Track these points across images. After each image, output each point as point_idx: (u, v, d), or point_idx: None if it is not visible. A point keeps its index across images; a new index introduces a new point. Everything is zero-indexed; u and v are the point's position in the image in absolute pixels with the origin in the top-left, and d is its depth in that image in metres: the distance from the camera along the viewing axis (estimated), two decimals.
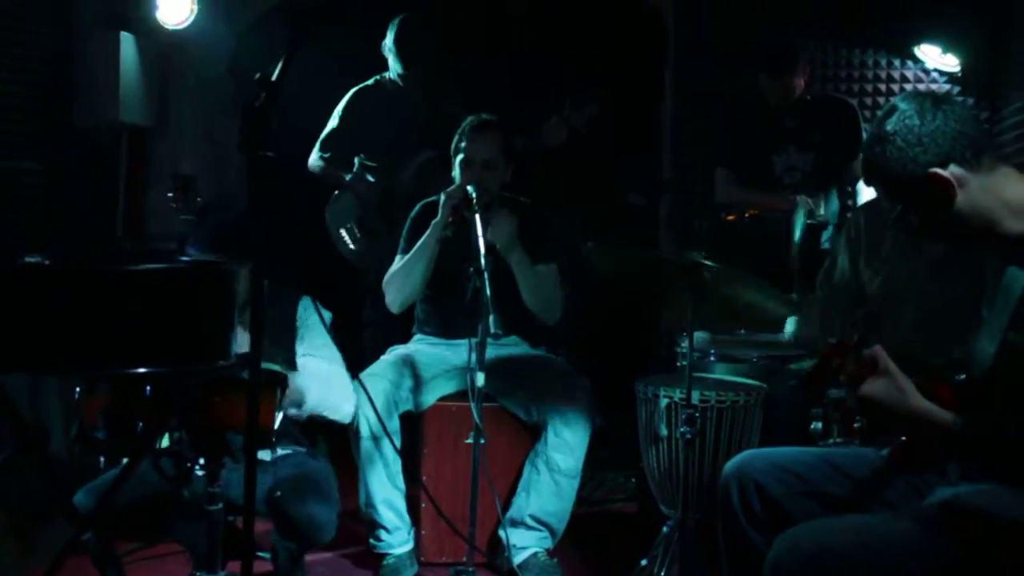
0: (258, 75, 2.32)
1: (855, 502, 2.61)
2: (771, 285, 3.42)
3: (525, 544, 4.03)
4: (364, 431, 3.97)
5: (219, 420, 2.99)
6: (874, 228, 3.53)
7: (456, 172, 4.22)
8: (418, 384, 4.14)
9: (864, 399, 2.31)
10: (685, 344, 3.49)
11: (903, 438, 2.46)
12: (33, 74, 5.43)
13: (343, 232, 5.35)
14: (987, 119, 5.59)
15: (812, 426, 3.22)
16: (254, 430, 2.44)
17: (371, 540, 4.11)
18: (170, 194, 3.83)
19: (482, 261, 3.58)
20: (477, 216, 3.76)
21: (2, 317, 2.48)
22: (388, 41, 5.27)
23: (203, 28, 5.74)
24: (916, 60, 5.75)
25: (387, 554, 4.08)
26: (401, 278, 4.23)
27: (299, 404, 3.48)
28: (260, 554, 3.78)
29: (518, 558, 3.99)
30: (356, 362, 4.26)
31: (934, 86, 5.74)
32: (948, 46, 5.52)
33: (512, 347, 4.33)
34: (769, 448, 2.90)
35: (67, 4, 5.67)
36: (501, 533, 4.02)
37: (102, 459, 3.18)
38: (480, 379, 3.66)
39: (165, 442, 3.01)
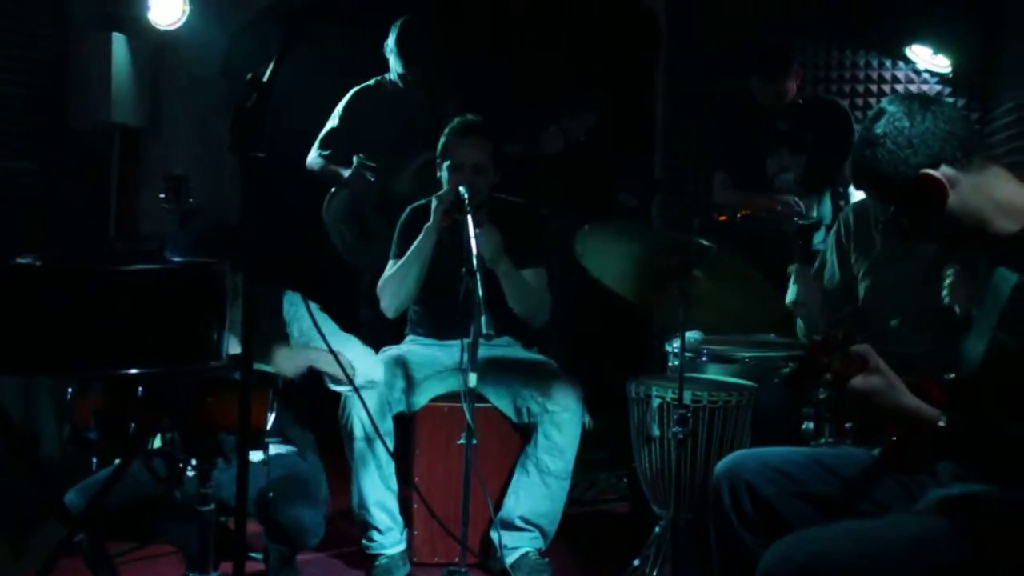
0: (250, 75, 2.32)
1: (846, 502, 2.61)
2: (763, 285, 3.42)
3: (516, 545, 4.03)
4: (357, 432, 3.98)
5: (211, 421, 2.99)
6: (863, 228, 3.54)
7: (443, 175, 4.22)
8: (410, 385, 4.15)
9: (854, 394, 2.31)
10: (677, 344, 3.50)
11: (894, 438, 2.47)
12: (26, 75, 5.43)
13: (334, 234, 5.38)
14: (978, 120, 5.61)
15: (803, 426, 3.23)
16: (246, 431, 2.44)
17: (363, 541, 4.11)
18: (162, 194, 3.85)
19: (474, 262, 3.59)
20: (469, 218, 3.77)
21: None
22: (390, 42, 5.30)
23: (195, 29, 5.74)
24: (907, 61, 5.77)
25: (379, 555, 4.08)
26: (396, 283, 4.23)
27: (350, 378, 3.54)
28: (252, 555, 3.80)
29: (510, 558, 3.99)
30: None
31: (925, 87, 5.76)
32: (939, 47, 5.54)
33: (504, 348, 4.33)
34: (760, 448, 2.90)
35: (60, 5, 5.67)
36: (493, 534, 4.02)
37: (94, 460, 3.17)
38: (472, 380, 3.66)
39: (157, 443, 3.02)
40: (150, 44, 5.88)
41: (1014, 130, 5.16)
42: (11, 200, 5.22)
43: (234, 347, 2.56)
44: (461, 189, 3.91)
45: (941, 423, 2.24)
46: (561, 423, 4.03)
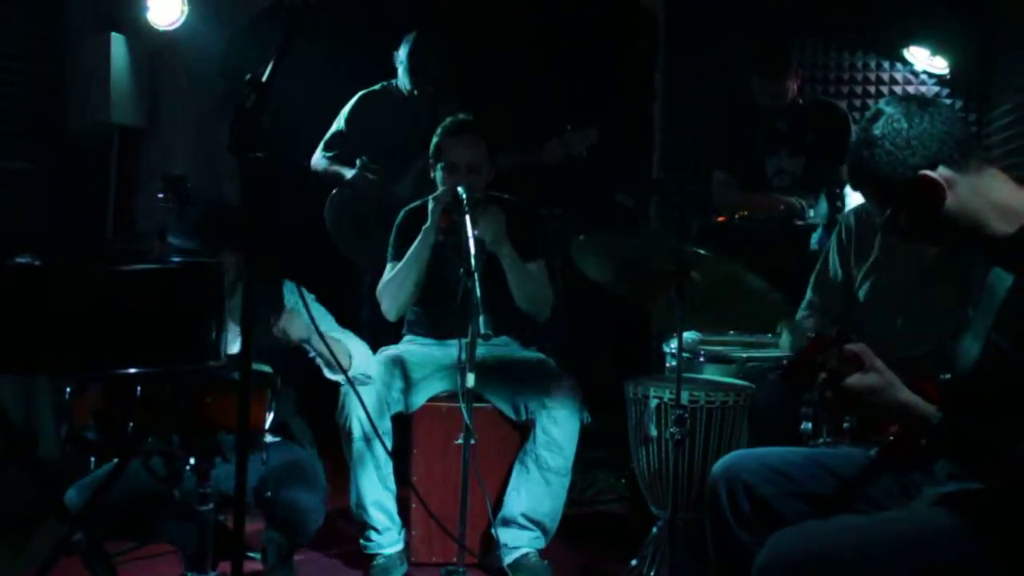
0: (249, 76, 2.32)
1: (843, 502, 2.62)
2: (761, 286, 3.43)
3: (517, 544, 4.04)
4: (356, 432, 3.98)
5: (210, 420, 3.00)
6: (864, 231, 3.56)
7: (438, 176, 4.22)
8: (409, 385, 4.15)
9: (850, 393, 2.32)
10: (674, 345, 3.50)
11: (891, 437, 2.47)
12: (24, 75, 5.43)
13: (335, 234, 5.43)
14: (976, 122, 5.62)
15: (802, 426, 3.24)
16: (245, 430, 2.45)
17: (361, 540, 4.11)
18: (161, 194, 3.84)
19: (472, 262, 3.59)
20: (467, 217, 3.77)
21: None
22: (401, 54, 5.36)
23: (194, 29, 5.75)
24: (905, 62, 5.77)
25: (377, 554, 4.08)
26: (396, 286, 4.23)
27: (347, 365, 3.60)
28: (250, 554, 3.80)
29: (509, 558, 4.00)
30: None
31: (923, 88, 5.76)
32: (937, 48, 5.54)
33: (502, 347, 4.34)
34: (758, 448, 2.91)
35: (58, 5, 5.67)
36: (493, 532, 4.03)
37: (93, 459, 3.18)
38: (470, 379, 3.67)
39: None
40: (149, 44, 5.88)
41: (1011, 132, 5.16)
42: (10, 200, 5.22)
43: (236, 334, 2.56)
44: (460, 189, 3.92)
45: (935, 420, 2.25)
46: (559, 419, 4.04)
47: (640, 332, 5.64)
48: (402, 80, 5.37)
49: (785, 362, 3.69)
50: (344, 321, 3.99)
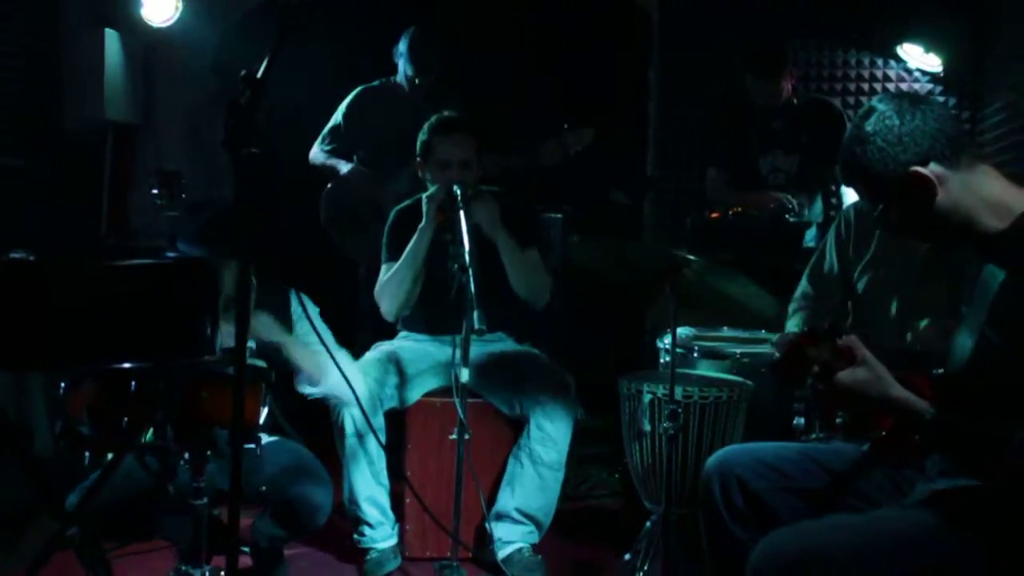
0: (244, 72, 2.33)
1: (836, 497, 2.64)
2: (754, 282, 3.44)
3: (511, 538, 4.05)
4: (349, 428, 3.99)
5: (204, 415, 3.00)
6: (863, 226, 3.57)
7: (428, 174, 4.22)
8: (403, 381, 4.16)
9: (842, 387, 2.33)
10: (668, 341, 3.51)
11: (883, 432, 2.49)
12: (18, 72, 5.43)
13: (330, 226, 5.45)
14: (969, 119, 5.63)
15: (794, 421, 3.25)
16: (240, 425, 2.45)
17: (354, 535, 4.13)
18: (155, 191, 3.84)
19: (467, 258, 3.60)
20: (461, 213, 3.77)
21: None
22: (401, 47, 5.38)
23: (188, 26, 5.74)
24: (899, 60, 5.78)
25: (370, 549, 4.10)
26: (394, 286, 4.22)
27: (316, 382, 3.53)
28: (244, 549, 3.80)
29: (503, 552, 4.01)
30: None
31: (917, 86, 5.77)
32: (930, 46, 5.55)
33: (496, 343, 4.35)
34: (751, 443, 2.92)
35: (53, 2, 5.66)
36: (487, 526, 4.04)
37: (87, 455, 3.18)
38: (464, 375, 3.68)
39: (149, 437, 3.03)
40: (143, 41, 5.87)
41: (1003, 129, 5.18)
42: (3, 196, 5.22)
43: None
44: (455, 187, 3.92)
45: (930, 416, 2.26)
46: (553, 414, 4.05)
47: (634, 328, 5.65)
48: (403, 71, 5.38)
49: (776, 355, 3.71)
50: (342, 313, 3.99)
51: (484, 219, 4.09)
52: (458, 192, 3.89)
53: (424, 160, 4.24)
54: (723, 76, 5.61)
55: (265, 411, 3.21)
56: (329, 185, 5.52)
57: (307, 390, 3.79)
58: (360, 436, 4.00)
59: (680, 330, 3.48)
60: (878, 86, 5.86)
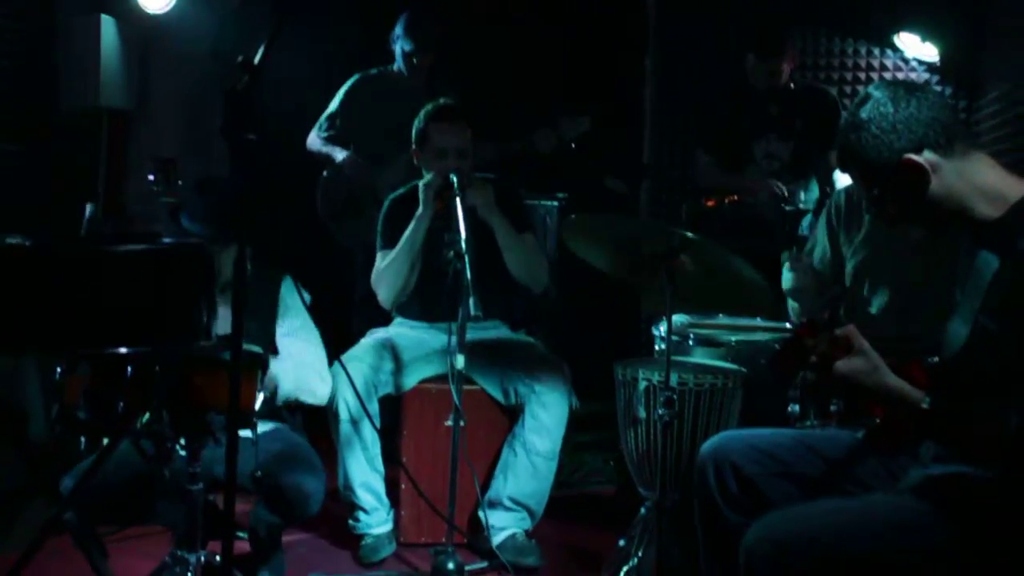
0: (241, 58, 2.33)
1: (830, 483, 2.65)
2: (750, 268, 3.44)
3: (504, 525, 4.07)
4: (343, 414, 4.00)
5: (200, 400, 3.00)
6: (853, 211, 3.57)
7: (424, 162, 4.22)
8: (398, 367, 4.17)
9: (840, 377, 2.34)
10: (663, 328, 3.52)
11: (877, 420, 2.49)
12: (14, 58, 5.42)
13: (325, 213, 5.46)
14: (965, 108, 5.64)
15: (789, 408, 3.26)
16: (235, 411, 2.46)
17: (350, 521, 4.14)
18: (151, 177, 3.84)
19: (463, 245, 3.60)
20: (458, 201, 3.78)
21: None
22: (398, 30, 5.39)
23: (185, 12, 5.73)
24: (896, 48, 5.78)
25: (365, 534, 4.11)
26: (392, 273, 4.22)
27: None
28: (240, 534, 3.81)
29: (497, 539, 4.02)
30: (345, 340, 4.31)
31: (913, 75, 5.77)
32: (927, 34, 5.55)
33: (492, 330, 4.36)
34: (746, 429, 2.94)
35: None
36: (480, 514, 4.05)
37: (83, 440, 3.18)
38: (460, 361, 3.69)
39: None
40: (139, 27, 5.85)
41: (999, 119, 5.18)
42: None
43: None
44: (451, 175, 3.93)
45: (925, 405, 2.27)
46: (548, 403, 4.06)
47: (629, 316, 5.66)
48: (400, 50, 5.40)
49: (777, 346, 3.71)
50: (339, 300, 4.00)
51: (480, 202, 4.10)
52: (455, 180, 3.89)
53: (420, 148, 4.24)
54: (720, 63, 5.61)
55: (261, 397, 3.21)
56: (325, 172, 5.53)
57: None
58: (355, 422, 4.01)
59: (675, 317, 3.48)
60: (875, 75, 5.87)
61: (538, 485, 4.11)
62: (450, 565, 3.68)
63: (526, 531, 4.10)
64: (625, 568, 3.56)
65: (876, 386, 2.33)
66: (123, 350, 2.83)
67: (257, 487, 3.46)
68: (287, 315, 3.69)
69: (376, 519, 4.12)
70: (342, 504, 4.16)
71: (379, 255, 4.31)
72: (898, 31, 5.64)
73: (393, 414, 4.25)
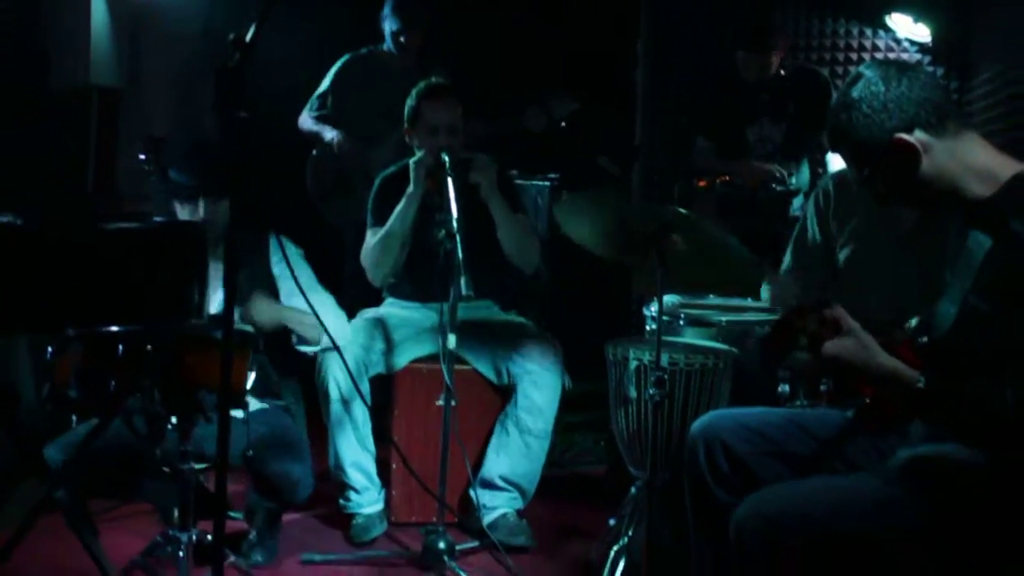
0: (232, 35, 2.33)
1: (820, 462, 2.66)
2: (741, 249, 3.45)
3: (495, 504, 4.08)
4: (334, 394, 4.00)
5: (192, 379, 3.01)
6: (843, 197, 3.57)
7: (416, 139, 4.22)
8: (389, 347, 4.17)
9: (829, 357, 2.34)
10: (655, 308, 3.52)
11: (867, 400, 2.50)
12: (3, 36, 5.38)
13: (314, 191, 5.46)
14: (957, 89, 5.64)
15: (779, 388, 3.27)
16: (227, 389, 2.46)
17: (341, 500, 4.15)
18: (141, 155, 3.84)
19: (454, 224, 3.60)
20: (449, 179, 3.78)
21: None
22: (386, 9, 5.40)
23: None
24: (888, 29, 5.78)
25: (356, 514, 4.11)
26: (381, 251, 4.21)
27: (314, 342, 3.60)
28: (231, 514, 3.82)
29: (488, 518, 4.04)
30: None
31: (905, 56, 5.77)
32: (919, 15, 5.54)
33: (484, 310, 4.36)
34: (737, 408, 2.94)
35: None
36: (471, 493, 4.06)
37: (74, 418, 3.19)
38: (451, 341, 3.69)
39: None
40: (129, 4, 5.83)
41: (991, 100, 5.19)
42: None
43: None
44: (442, 153, 3.92)
45: (920, 384, 2.27)
46: (540, 383, 4.07)
47: (620, 296, 5.66)
48: (388, 30, 5.40)
49: (767, 328, 3.73)
50: (327, 280, 4.00)
51: (484, 181, 4.10)
52: (446, 158, 3.89)
53: (412, 126, 4.23)
54: (711, 45, 5.60)
55: (252, 376, 3.22)
56: (315, 152, 5.53)
57: (304, 348, 3.83)
58: (345, 402, 4.02)
59: (666, 298, 3.48)
60: (867, 56, 5.86)
61: (530, 465, 4.12)
62: (441, 544, 3.70)
63: (517, 511, 4.11)
64: (615, 547, 3.57)
65: (866, 365, 2.33)
66: (115, 328, 2.84)
67: (248, 468, 3.47)
68: (284, 284, 3.73)
69: (367, 498, 4.13)
70: (333, 484, 4.16)
71: (369, 232, 4.30)
72: (890, 11, 5.63)
73: (384, 394, 4.25)
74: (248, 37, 2.33)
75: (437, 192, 3.93)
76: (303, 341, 3.81)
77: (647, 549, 3.33)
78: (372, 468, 4.15)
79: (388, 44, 5.44)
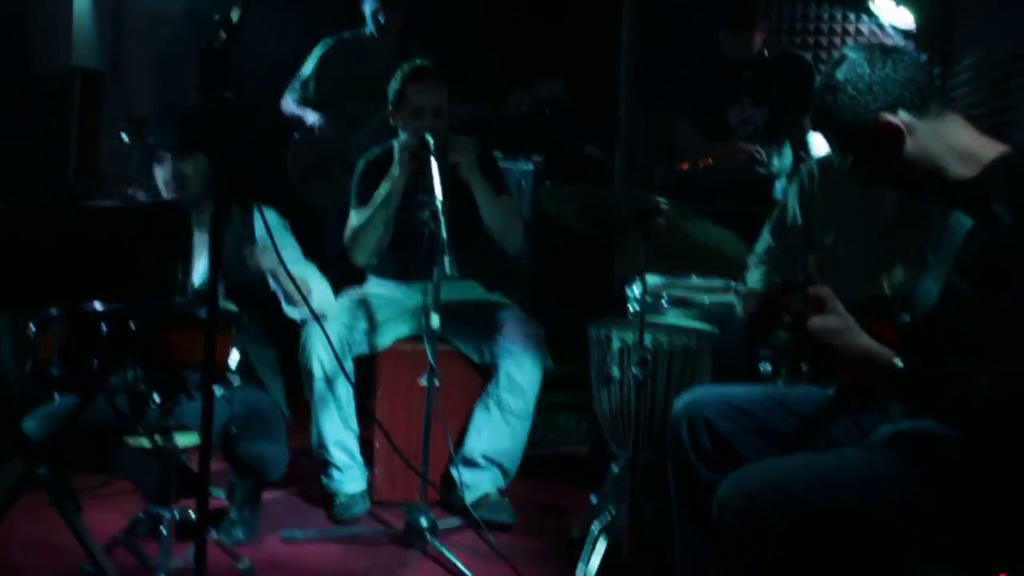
0: (218, 17, 2.32)
1: (801, 439, 2.67)
2: (724, 231, 3.46)
3: (477, 483, 4.09)
4: (317, 373, 4.01)
5: (175, 357, 3.01)
6: (827, 181, 3.59)
7: (401, 121, 4.21)
8: (372, 326, 4.17)
9: (811, 335, 2.36)
10: (638, 288, 3.53)
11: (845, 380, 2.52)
12: None
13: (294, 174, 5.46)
14: (940, 75, 5.66)
15: (761, 367, 3.28)
16: (211, 368, 2.46)
17: (323, 479, 4.15)
18: (124, 137, 3.84)
19: (438, 204, 3.61)
20: (433, 161, 3.78)
21: None
22: None
23: None
24: (870, 14, 5.80)
25: (339, 492, 4.12)
26: (365, 232, 4.20)
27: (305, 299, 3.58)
28: (213, 491, 3.83)
29: (471, 496, 4.05)
30: None
31: (888, 41, 5.79)
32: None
33: (467, 291, 4.37)
34: (719, 385, 2.96)
35: None
36: (453, 471, 4.07)
37: (56, 396, 3.18)
38: (435, 320, 3.70)
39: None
40: None
41: (973, 86, 5.21)
42: None
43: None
44: (427, 135, 3.93)
45: (897, 364, 2.29)
46: (522, 363, 4.08)
47: (603, 277, 5.68)
48: (369, 12, 5.40)
49: (740, 308, 3.76)
50: (310, 257, 4.01)
51: (464, 162, 4.10)
52: (430, 140, 3.90)
53: (396, 108, 4.23)
54: (695, 28, 5.60)
55: (236, 354, 3.22)
56: (296, 135, 5.53)
57: (293, 313, 3.84)
58: (329, 381, 4.02)
59: (649, 278, 3.50)
60: (850, 40, 5.87)
61: (512, 443, 4.13)
62: (423, 522, 3.71)
63: (499, 489, 4.13)
64: (596, 522, 3.59)
65: (847, 346, 2.34)
66: (98, 306, 2.84)
67: (222, 449, 3.48)
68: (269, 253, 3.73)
69: (350, 477, 4.13)
70: (316, 462, 4.17)
71: (353, 212, 4.30)
72: None
73: (367, 373, 4.26)
74: (235, 18, 2.33)
75: (421, 173, 3.93)
76: (291, 301, 3.80)
77: (629, 527, 3.35)
78: (355, 447, 4.15)
79: (369, 26, 5.43)
